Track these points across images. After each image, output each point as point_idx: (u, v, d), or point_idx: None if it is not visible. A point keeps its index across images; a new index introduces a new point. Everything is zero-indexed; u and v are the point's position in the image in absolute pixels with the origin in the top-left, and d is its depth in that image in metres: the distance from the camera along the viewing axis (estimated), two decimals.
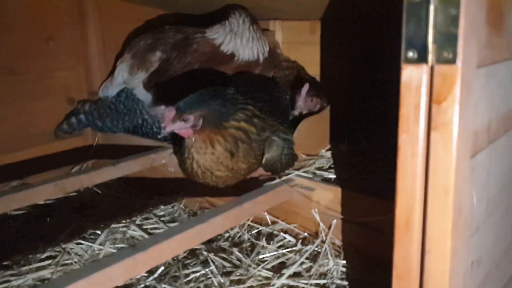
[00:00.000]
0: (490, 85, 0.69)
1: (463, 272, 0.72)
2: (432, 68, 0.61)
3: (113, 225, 1.41)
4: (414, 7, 0.60)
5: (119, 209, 1.58)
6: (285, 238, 1.35)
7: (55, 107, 1.97)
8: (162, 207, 1.57)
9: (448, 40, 0.58)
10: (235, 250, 1.30)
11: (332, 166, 1.51)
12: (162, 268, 1.23)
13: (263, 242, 1.32)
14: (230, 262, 1.27)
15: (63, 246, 1.30)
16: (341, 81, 1.92)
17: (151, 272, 1.21)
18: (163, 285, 1.17)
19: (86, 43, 2.02)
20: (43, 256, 1.28)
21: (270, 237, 1.37)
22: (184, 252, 1.30)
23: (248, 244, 1.35)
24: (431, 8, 0.59)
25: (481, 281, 0.82)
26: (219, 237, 1.40)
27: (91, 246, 1.31)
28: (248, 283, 1.16)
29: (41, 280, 1.18)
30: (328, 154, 1.57)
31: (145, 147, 1.73)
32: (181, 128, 1.25)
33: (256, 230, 1.40)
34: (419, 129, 0.64)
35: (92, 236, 1.38)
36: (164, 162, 1.61)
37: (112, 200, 1.70)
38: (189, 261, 1.28)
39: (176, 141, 1.50)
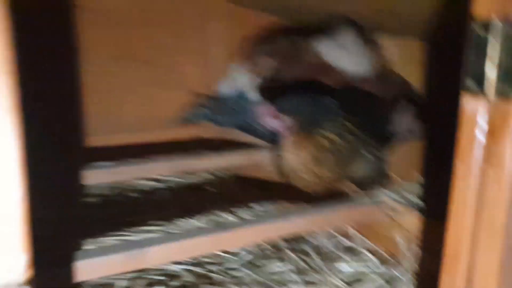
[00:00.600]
0: None
1: None
2: (489, 102, 0.61)
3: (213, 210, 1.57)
4: (478, 39, 0.60)
5: (221, 196, 1.74)
6: (367, 255, 1.36)
7: (180, 98, 2.21)
8: (258, 202, 1.69)
9: (508, 76, 0.58)
10: (314, 254, 1.36)
11: (424, 192, 1.47)
12: (244, 253, 1.34)
13: (343, 254, 1.34)
14: (308, 264, 1.32)
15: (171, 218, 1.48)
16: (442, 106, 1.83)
17: (234, 254, 1.32)
18: (246, 270, 1.27)
19: (211, 44, 2.24)
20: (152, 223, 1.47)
21: (350, 251, 1.39)
22: (266, 244, 1.40)
23: (328, 251, 1.39)
24: (496, 43, 0.59)
25: None
26: (300, 238, 1.47)
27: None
28: None
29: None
30: (421, 179, 1.53)
31: (251, 144, 1.87)
32: (276, 127, 1.35)
33: (337, 241, 1.43)
34: (474, 161, 0.64)
35: (195, 215, 1.54)
36: (264, 161, 1.72)
37: (216, 186, 1.87)
38: (269, 253, 1.37)
39: (277, 141, 1.61)
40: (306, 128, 1.33)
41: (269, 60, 1.91)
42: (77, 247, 1.11)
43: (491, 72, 0.60)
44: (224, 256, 1.35)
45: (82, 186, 1.44)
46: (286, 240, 1.41)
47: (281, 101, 1.36)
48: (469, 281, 0.68)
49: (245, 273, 1.26)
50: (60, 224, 1.13)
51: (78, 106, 1.95)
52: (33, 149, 0.58)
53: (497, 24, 0.59)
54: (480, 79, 0.61)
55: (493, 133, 0.61)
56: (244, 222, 1.15)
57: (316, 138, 1.33)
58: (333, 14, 1.77)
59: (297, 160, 1.36)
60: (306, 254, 1.37)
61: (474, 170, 0.64)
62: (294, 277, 1.25)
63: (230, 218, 1.54)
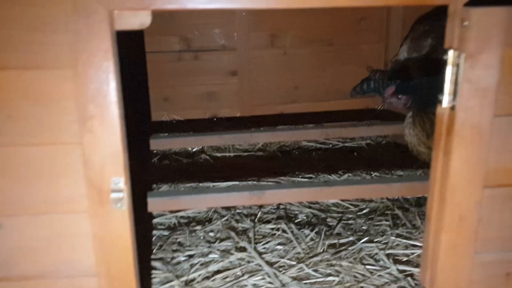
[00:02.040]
0: None
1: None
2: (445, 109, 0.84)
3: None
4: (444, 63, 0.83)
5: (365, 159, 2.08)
6: None
7: (355, 73, 2.54)
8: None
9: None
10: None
11: None
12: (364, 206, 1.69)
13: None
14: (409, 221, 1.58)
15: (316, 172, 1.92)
16: None
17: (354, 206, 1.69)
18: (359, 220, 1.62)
19: (389, 24, 2.47)
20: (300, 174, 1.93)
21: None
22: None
23: None
24: (452, 69, 0.82)
25: None
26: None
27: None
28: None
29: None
30: None
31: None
32: (396, 104, 1.62)
33: None
34: (441, 147, 0.87)
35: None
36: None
37: (366, 151, 2.20)
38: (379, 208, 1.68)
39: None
40: (420, 106, 1.55)
41: (428, 39, 2.06)
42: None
43: (447, 89, 0.82)
44: (344, 205, 1.71)
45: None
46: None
47: (401, 84, 1.60)
48: None
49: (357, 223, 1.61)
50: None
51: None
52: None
53: (451, 52, 0.81)
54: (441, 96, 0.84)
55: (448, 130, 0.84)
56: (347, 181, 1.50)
57: (427, 115, 1.54)
58: None
59: (413, 134, 1.59)
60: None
61: (440, 153, 0.88)
62: (390, 230, 1.54)
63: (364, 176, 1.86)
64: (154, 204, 1.38)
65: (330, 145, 2.30)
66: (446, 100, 0.84)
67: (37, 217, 0.82)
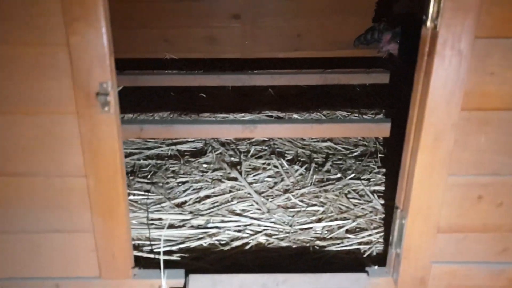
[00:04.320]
0: None
1: None
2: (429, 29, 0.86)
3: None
4: None
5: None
6: None
7: (362, 22, 2.52)
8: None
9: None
10: None
11: None
12: None
13: None
14: None
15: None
16: None
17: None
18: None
19: None
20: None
21: None
22: None
23: None
24: None
25: None
26: None
27: None
28: None
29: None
30: None
31: None
32: (392, 50, 1.63)
33: None
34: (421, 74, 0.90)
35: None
36: None
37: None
38: None
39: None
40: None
41: None
42: None
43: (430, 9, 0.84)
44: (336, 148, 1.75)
45: None
46: None
47: (398, 30, 1.61)
48: None
49: None
50: None
51: None
52: None
53: None
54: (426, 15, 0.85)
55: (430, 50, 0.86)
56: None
57: None
58: None
59: None
60: None
61: (422, 74, 0.90)
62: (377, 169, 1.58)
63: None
64: (148, 131, 1.43)
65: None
66: (429, 19, 0.85)
67: (27, 117, 0.86)
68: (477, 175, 0.95)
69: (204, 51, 2.50)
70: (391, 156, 1.66)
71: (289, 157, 1.67)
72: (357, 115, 1.99)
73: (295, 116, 2.00)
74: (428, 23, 0.85)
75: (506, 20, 0.83)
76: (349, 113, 2.00)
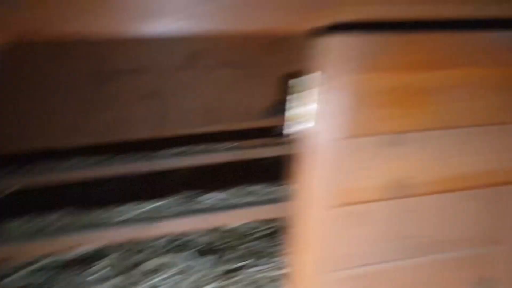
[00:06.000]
0: None
1: None
2: None
3: None
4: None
5: None
6: None
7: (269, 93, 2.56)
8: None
9: None
10: None
11: None
12: None
13: None
14: None
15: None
16: None
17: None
18: None
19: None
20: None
21: None
22: None
23: None
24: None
25: None
26: None
27: None
28: None
29: None
30: None
31: None
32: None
33: None
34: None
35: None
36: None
37: None
38: None
39: None
40: None
41: None
42: None
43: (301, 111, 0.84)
44: None
45: None
46: None
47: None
48: None
49: None
50: None
51: None
52: None
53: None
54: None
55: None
56: None
57: None
58: None
59: None
60: None
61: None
62: None
63: None
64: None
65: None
66: (300, 121, 0.85)
67: None
68: (359, 266, 0.93)
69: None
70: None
71: (200, 246, 1.59)
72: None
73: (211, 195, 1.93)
74: (300, 125, 0.85)
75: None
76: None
